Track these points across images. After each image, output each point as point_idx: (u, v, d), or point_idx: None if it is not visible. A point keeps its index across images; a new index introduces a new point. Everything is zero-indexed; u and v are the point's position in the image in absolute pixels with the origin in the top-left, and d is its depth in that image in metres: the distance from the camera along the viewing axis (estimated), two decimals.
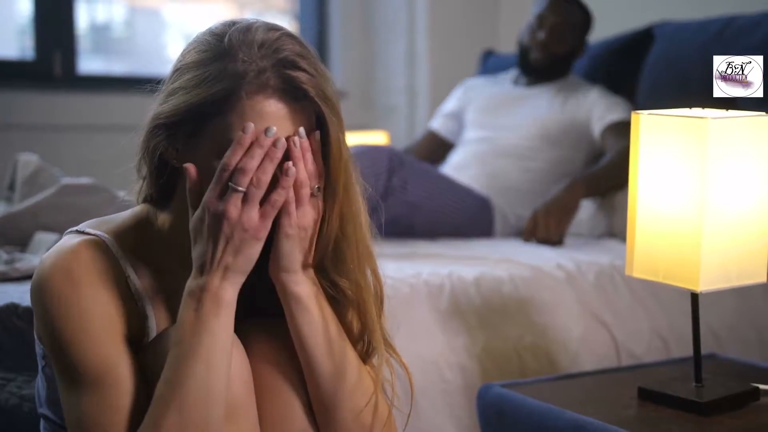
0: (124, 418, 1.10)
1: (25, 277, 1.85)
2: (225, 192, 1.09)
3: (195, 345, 1.08)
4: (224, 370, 1.10)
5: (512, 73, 2.99)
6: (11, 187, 2.28)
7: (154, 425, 1.08)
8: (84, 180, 2.14)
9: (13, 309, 1.62)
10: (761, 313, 2.26)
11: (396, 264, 2.06)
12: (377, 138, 3.66)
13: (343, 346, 1.19)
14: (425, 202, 2.51)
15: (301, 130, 1.12)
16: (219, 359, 1.09)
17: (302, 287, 1.16)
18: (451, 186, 2.61)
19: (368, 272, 1.21)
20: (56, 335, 1.11)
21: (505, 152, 2.79)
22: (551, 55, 2.84)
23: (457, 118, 3.05)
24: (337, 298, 1.19)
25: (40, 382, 1.27)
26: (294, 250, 1.14)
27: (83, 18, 3.77)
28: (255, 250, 1.10)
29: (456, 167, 2.85)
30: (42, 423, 1.29)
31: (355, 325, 1.21)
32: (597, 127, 2.71)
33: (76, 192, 2.07)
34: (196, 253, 1.11)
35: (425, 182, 2.52)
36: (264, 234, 1.10)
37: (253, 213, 1.09)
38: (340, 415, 1.18)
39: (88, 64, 3.72)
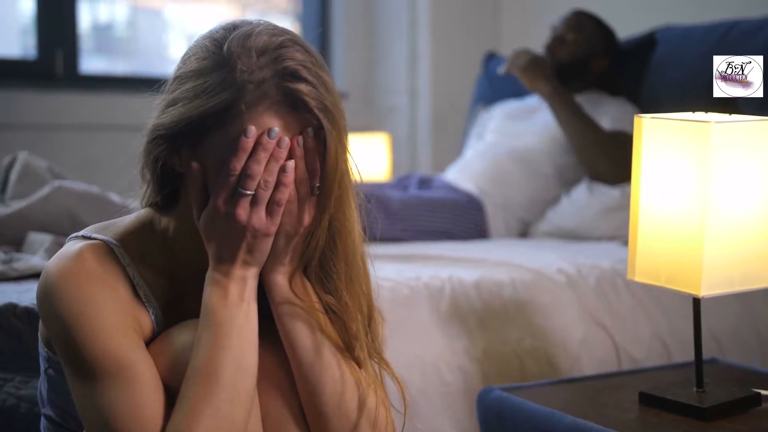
0: (145, 412, 1.08)
1: (23, 276, 1.85)
2: (232, 195, 1.10)
3: (229, 324, 1.11)
4: (255, 348, 1.13)
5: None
6: (4, 186, 2.26)
7: (193, 402, 1.08)
8: (77, 184, 2.12)
9: (11, 309, 1.61)
10: (763, 318, 2.26)
11: (395, 266, 2.05)
12: (378, 139, 3.66)
13: (327, 345, 1.17)
14: (403, 234, 2.53)
15: (310, 130, 1.12)
16: (250, 338, 1.12)
17: (287, 284, 1.17)
18: (433, 203, 2.63)
19: (361, 290, 1.20)
20: (70, 334, 1.10)
21: (515, 156, 2.80)
22: (555, 59, 2.85)
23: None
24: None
25: (42, 383, 1.27)
26: (287, 248, 1.15)
27: (85, 17, 3.76)
28: (267, 245, 1.13)
29: (463, 164, 2.89)
30: (43, 422, 1.29)
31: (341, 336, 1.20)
32: None
33: (67, 196, 2.05)
34: (211, 250, 1.13)
35: (400, 219, 2.54)
36: (274, 230, 1.13)
37: (262, 213, 1.11)
38: (324, 410, 1.17)
39: (91, 63, 3.72)
